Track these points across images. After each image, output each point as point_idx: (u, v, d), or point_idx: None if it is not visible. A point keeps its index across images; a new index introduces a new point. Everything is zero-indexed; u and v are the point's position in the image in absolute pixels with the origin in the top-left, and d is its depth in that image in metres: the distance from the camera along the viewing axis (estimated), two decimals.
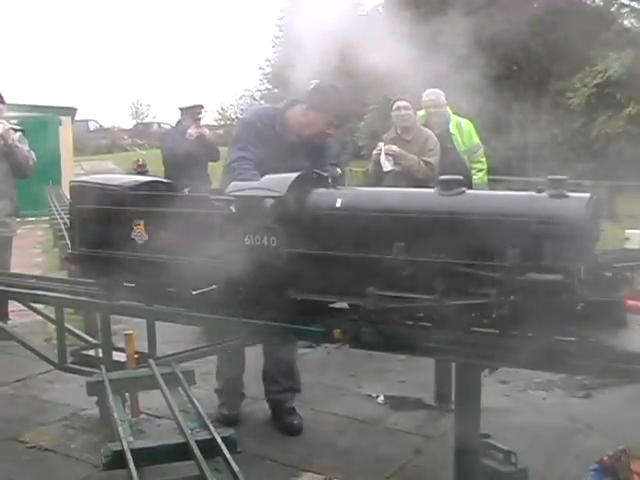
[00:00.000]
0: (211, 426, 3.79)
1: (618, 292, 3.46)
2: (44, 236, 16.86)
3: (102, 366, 4.90)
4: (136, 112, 56.78)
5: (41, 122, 19.04)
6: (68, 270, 8.43)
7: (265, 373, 5.82)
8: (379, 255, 3.84)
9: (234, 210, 4.30)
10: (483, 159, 8.86)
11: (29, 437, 5.46)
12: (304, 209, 4.16)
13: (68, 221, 5.13)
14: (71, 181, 5.42)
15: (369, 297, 3.86)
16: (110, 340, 5.32)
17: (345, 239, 3.97)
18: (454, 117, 8.86)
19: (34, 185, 13.79)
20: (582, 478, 4.14)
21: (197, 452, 3.52)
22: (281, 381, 5.75)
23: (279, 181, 4.23)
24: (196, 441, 3.63)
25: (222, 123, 47.54)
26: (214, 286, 4.53)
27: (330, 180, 4.34)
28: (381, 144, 8.04)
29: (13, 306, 7.79)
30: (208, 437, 3.70)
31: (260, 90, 45.25)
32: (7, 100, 8.44)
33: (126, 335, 4.98)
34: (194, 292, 4.63)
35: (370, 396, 6.30)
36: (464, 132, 8.74)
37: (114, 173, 22.56)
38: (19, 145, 8.02)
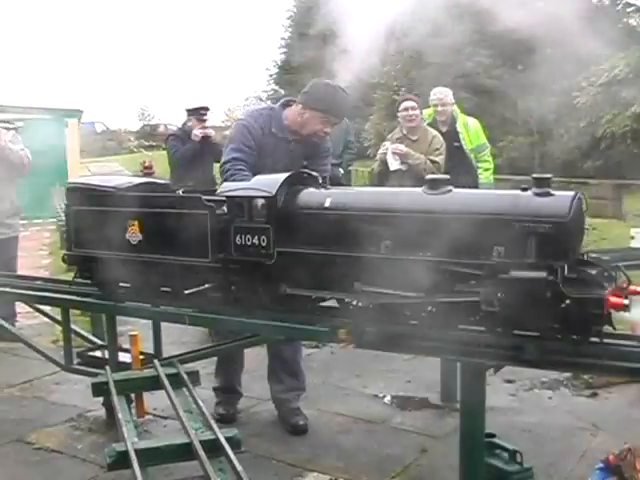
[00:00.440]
0: (215, 426, 3.81)
1: (601, 289, 3.48)
2: (51, 238, 16.86)
3: (107, 367, 4.91)
4: (142, 114, 56.76)
5: (47, 124, 19.07)
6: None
7: (270, 372, 5.82)
8: (367, 253, 3.93)
9: (225, 210, 4.37)
10: (490, 158, 8.88)
11: (36, 438, 5.47)
12: (294, 209, 4.23)
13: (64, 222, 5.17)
14: (67, 183, 5.45)
15: (355, 293, 3.98)
16: (116, 341, 5.33)
17: (333, 237, 4.05)
18: (461, 116, 8.87)
19: (40, 187, 13.83)
20: (588, 477, 4.12)
21: (201, 452, 3.53)
22: (286, 381, 5.75)
23: (269, 181, 4.30)
24: (200, 441, 3.64)
25: (229, 124, 47.52)
26: (206, 285, 4.61)
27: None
28: (387, 143, 8.05)
29: (20, 308, 7.86)
30: (212, 437, 3.71)
31: (266, 91, 45.18)
32: (13, 102, 8.46)
33: (131, 336, 5.00)
34: (186, 291, 4.70)
35: (376, 396, 6.29)
36: (471, 131, 8.75)
37: (120, 175, 22.60)
38: (12, 147, 8.03)
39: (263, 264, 4.24)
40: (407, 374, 6.74)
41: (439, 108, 8.72)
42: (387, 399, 6.23)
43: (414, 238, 3.80)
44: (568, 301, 3.47)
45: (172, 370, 4.72)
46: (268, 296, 4.38)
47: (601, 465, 4.05)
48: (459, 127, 8.71)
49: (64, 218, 5.52)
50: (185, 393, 4.44)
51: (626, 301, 3.50)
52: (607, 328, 3.58)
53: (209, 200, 4.46)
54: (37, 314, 6.99)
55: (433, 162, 7.81)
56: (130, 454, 3.58)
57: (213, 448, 3.64)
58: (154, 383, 4.66)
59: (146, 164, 20.78)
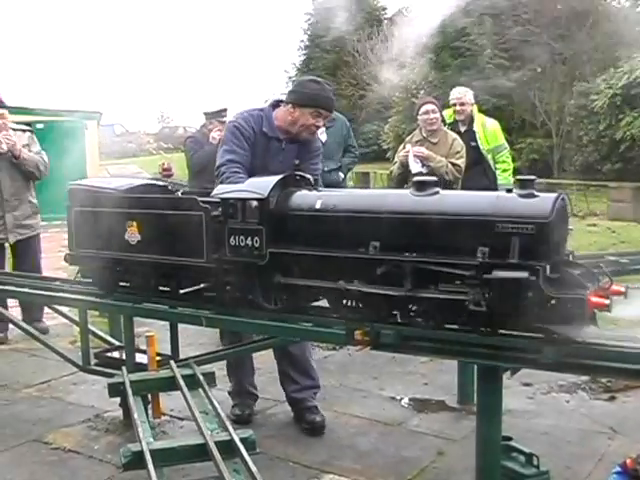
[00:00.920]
0: (230, 427, 3.81)
1: (583, 289, 3.52)
2: None
3: (123, 367, 4.93)
4: (162, 116, 56.94)
5: (67, 126, 19.13)
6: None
7: (282, 375, 5.82)
8: (356, 254, 4.04)
9: (220, 212, 4.45)
10: (508, 160, 8.83)
11: (53, 438, 5.49)
12: (286, 210, 4.32)
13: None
14: (70, 184, 5.55)
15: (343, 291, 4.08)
16: (133, 342, 5.34)
17: (324, 238, 4.15)
18: (480, 116, 8.85)
19: (59, 188, 13.87)
20: None
21: (216, 453, 3.53)
22: (299, 380, 5.73)
23: (262, 183, 4.39)
24: (215, 442, 3.64)
25: None
26: (202, 285, 4.73)
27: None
28: (409, 146, 8.02)
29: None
30: (227, 438, 3.71)
31: (285, 93, 45.36)
32: (33, 105, 8.52)
33: (147, 337, 5.01)
34: (182, 291, 4.82)
35: (393, 398, 6.27)
36: (488, 131, 8.73)
37: (140, 177, 22.67)
38: (27, 156, 8.07)
39: (256, 264, 4.33)
40: (424, 376, 6.73)
41: (457, 108, 8.71)
42: (404, 401, 6.22)
43: (402, 238, 3.91)
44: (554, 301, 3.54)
45: (188, 371, 4.73)
46: (261, 296, 4.46)
47: (618, 469, 4.03)
48: (476, 127, 8.70)
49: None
50: (201, 394, 4.45)
51: (607, 301, 3.55)
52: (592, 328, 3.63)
53: (204, 202, 4.55)
54: (56, 315, 7.03)
55: (454, 165, 7.80)
56: (145, 454, 3.58)
57: (228, 449, 3.64)
58: (170, 384, 4.67)
59: (165, 166, 20.79)
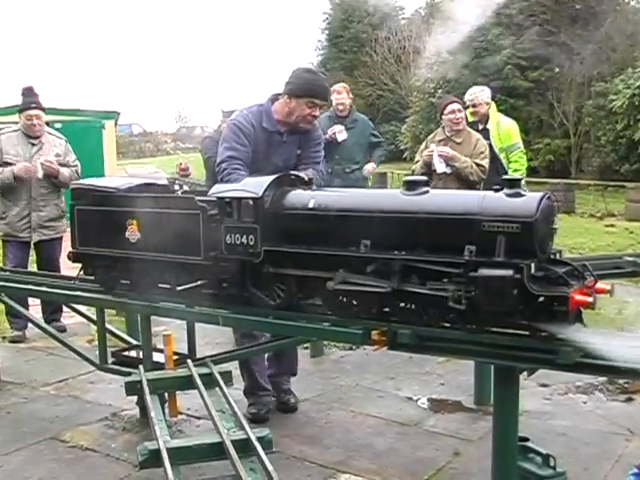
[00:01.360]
0: (247, 426, 3.81)
1: (567, 287, 3.57)
2: None
3: (140, 366, 4.94)
4: (179, 116, 57.04)
5: (84, 126, 19.16)
6: None
7: (268, 361, 6.07)
8: (347, 252, 4.13)
9: (216, 211, 4.55)
10: (520, 160, 8.73)
11: (70, 436, 5.51)
12: (280, 209, 4.41)
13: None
14: (72, 184, 5.59)
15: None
16: (150, 341, 5.36)
17: (317, 236, 4.25)
18: (496, 115, 8.81)
19: None
20: None
21: (232, 452, 3.54)
22: (277, 365, 6.06)
23: (257, 183, 4.50)
24: (232, 441, 3.65)
25: None
26: (199, 282, 4.82)
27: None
28: (433, 146, 7.98)
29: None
30: (244, 437, 3.72)
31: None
32: (50, 104, 8.52)
33: (165, 336, 5.02)
34: (179, 288, 4.90)
35: (409, 398, 6.26)
36: (502, 130, 8.68)
37: (157, 177, 22.75)
38: (63, 178, 8.08)
39: (251, 262, 4.43)
40: (441, 377, 6.73)
41: (471, 109, 8.68)
42: (421, 402, 6.21)
43: (391, 237, 4.00)
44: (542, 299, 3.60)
45: (205, 370, 4.74)
46: (256, 293, 4.56)
47: (635, 470, 4.02)
48: (490, 125, 8.67)
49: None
50: (218, 393, 4.46)
51: (591, 299, 3.59)
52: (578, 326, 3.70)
53: (201, 201, 4.64)
54: (73, 314, 7.06)
55: (478, 165, 7.77)
56: (162, 452, 3.59)
57: (245, 448, 3.64)
58: (187, 383, 4.69)
59: (182, 166, 20.89)
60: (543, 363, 3.73)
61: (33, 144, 8.16)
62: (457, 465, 5.01)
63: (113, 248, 5.10)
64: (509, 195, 3.77)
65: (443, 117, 8.15)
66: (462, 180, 7.64)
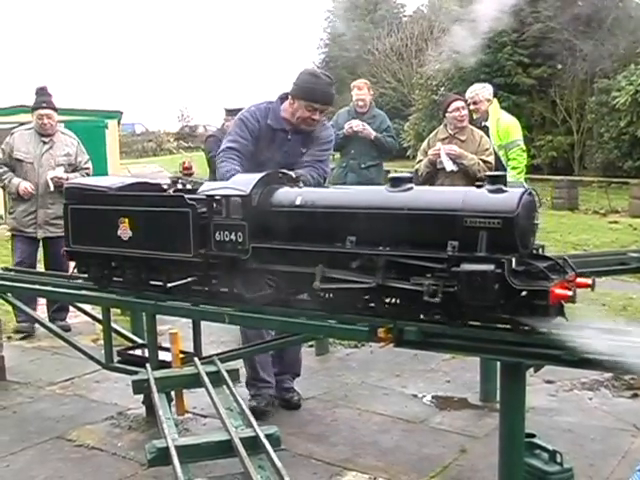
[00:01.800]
0: (255, 423, 3.81)
1: (547, 281, 3.62)
2: None
3: (147, 365, 4.95)
4: (182, 115, 56.94)
5: (87, 126, 19.15)
6: None
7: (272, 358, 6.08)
8: (334, 248, 4.22)
9: (205, 208, 4.63)
10: (519, 157, 8.66)
11: (76, 436, 5.52)
12: (268, 206, 4.49)
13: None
14: (67, 184, 5.63)
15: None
16: (156, 340, 5.37)
17: (303, 233, 4.33)
18: (497, 112, 8.79)
19: None
20: (628, 479, 4.09)
21: (241, 449, 3.54)
22: (281, 365, 6.10)
23: (245, 180, 4.57)
24: (240, 438, 3.65)
25: None
26: (189, 279, 4.95)
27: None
28: (439, 144, 7.94)
29: None
30: (252, 434, 3.72)
31: None
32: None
33: (171, 334, 5.03)
34: (169, 285, 5.02)
35: (415, 396, 6.27)
36: (501, 127, 8.66)
37: (160, 176, 22.74)
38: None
39: (240, 259, 4.49)
40: (446, 374, 6.74)
41: (471, 107, 8.66)
42: (426, 399, 6.21)
43: (376, 233, 4.07)
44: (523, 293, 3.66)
45: (212, 368, 4.74)
46: (244, 290, 4.62)
47: None
48: (489, 122, 8.65)
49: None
50: (225, 391, 4.45)
51: (570, 292, 3.65)
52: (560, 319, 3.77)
53: (191, 199, 4.71)
54: (78, 313, 7.07)
55: (485, 162, 7.76)
56: (170, 450, 3.60)
57: (253, 445, 3.65)
58: (194, 381, 4.69)
59: (185, 165, 20.83)
60: (549, 359, 3.73)
61: (44, 142, 8.28)
62: (463, 462, 5.01)
63: (105, 246, 5.17)
64: (491, 191, 3.83)
65: (447, 115, 8.11)
66: (469, 177, 7.64)
